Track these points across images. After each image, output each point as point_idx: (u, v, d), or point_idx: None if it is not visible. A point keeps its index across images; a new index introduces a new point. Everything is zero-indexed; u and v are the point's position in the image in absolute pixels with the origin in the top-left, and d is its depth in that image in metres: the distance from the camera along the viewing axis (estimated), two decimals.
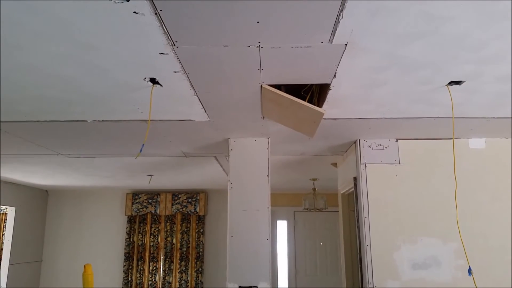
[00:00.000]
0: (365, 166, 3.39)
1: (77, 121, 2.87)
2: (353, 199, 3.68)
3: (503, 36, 1.66)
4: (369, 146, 3.42)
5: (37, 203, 7.21)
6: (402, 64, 1.95)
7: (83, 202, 7.49)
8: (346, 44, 1.74)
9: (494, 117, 2.81)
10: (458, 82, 2.17)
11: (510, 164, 3.36)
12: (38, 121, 2.86)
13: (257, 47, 1.76)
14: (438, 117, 2.79)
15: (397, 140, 3.43)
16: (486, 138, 3.39)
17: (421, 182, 3.34)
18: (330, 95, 2.34)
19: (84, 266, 2.54)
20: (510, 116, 2.78)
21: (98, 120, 2.86)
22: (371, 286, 3.16)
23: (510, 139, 3.39)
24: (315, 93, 2.39)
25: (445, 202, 3.22)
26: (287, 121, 2.70)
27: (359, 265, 3.41)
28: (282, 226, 8.00)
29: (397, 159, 3.39)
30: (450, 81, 2.16)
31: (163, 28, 1.59)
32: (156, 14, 1.48)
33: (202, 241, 7.22)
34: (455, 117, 2.76)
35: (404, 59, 1.89)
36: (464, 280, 3.10)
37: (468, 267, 2.44)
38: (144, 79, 2.12)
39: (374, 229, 3.26)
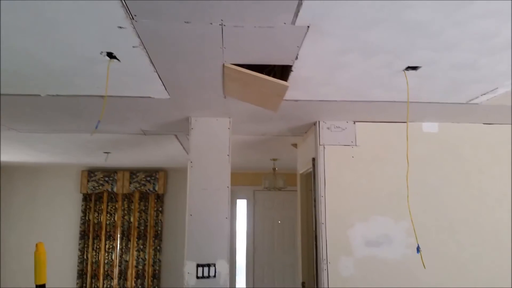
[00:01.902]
0: (324, 147, 3.46)
1: (30, 95, 2.74)
2: (311, 179, 3.76)
3: (459, 24, 1.72)
4: (328, 128, 3.49)
5: None
6: (363, 48, 1.98)
7: (37, 179, 7.24)
8: (308, 27, 1.74)
9: (447, 103, 2.93)
10: (414, 68, 2.24)
11: (461, 148, 3.53)
12: None
13: (219, 25, 1.73)
14: (394, 101, 2.87)
15: (354, 123, 3.51)
16: (439, 122, 3.54)
17: (376, 164, 3.45)
18: (292, 76, 2.36)
19: (36, 244, 2.45)
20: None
21: (53, 95, 2.74)
22: (325, 262, 3.27)
23: (461, 123, 3.55)
24: (277, 74, 2.39)
25: (398, 183, 3.35)
26: (250, 98, 2.69)
27: (314, 242, 3.51)
28: (242, 205, 8.09)
29: (354, 141, 3.47)
30: (407, 66, 2.22)
31: (122, 1, 1.53)
32: None
33: (160, 220, 7.19)
34: (410, 102, 2.86)
35: (364, 44, 1.92)
36: (414, 258, 3.26)
37: (417, 245, 2.57)
38: (101, 53, 2.04)
39: (330, 208, 3.35)
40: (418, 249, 2.53)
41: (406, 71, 2.29)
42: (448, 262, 3.34)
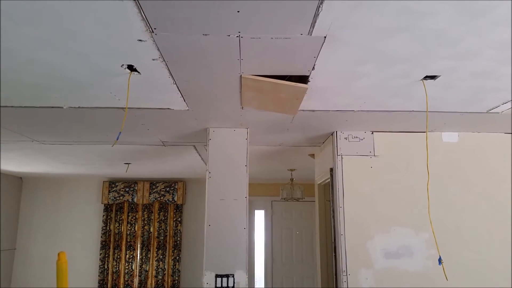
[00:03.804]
0: (341, 158, 3.44)
1: (53, 107, 2.82)
2: (329, 190, 3.74)
3: (478, 33, 1.71)
4: (346, 138, 3.48)
5: (11, 191, 7.06)
6: (380, 58, 1.98)
7: (59, 189, 7.37)
8: (325, 37, 1.76)
9: (467, 112, 2.89)
10: (433, 77, 2.23)
11: (481, 157, 3.47)
12: (12, 106, 2.79)
13: (237, 37, 1.76)
14: (413, 110, 2.85)
15: (372, 133, 3.49)
16: (459, 132, 3.49)
17: (395, 174, 3.42)
18: (309, 86, 2.36)
19: (58, 254, 2.50)
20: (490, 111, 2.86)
21: (75, 107, 2.82)
22: (344, 274, 3.23)
23: (482, 133, 3.50)
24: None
25: (417, 194, 3.31)
26: (268, 105, 2.71)
27: (333, 254, 3.48)
28: (259, 216, 8.07)
29: (372, 151, 3.45)
30: (425, 75, 2.20)
31: (142, 15, 1.57)
32: (134, 0, 1.47)
33: (179, 230, 7.22)
34: (429, 111, 2.83)
35: (382, 53, 1.92)
36: (435, 269, 3.20)
37: (439, 257, 2.52)
38: (121, 66, 2.09)
39: (348, 219, 3.32)
40: (440, 261, 2.49)
41: (424, 80, 2.27)
42: (470, 273, 3.26)
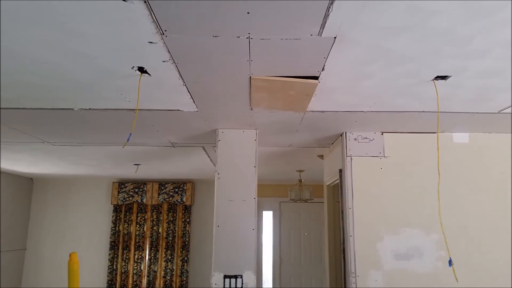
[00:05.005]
0: (351, 159, 3.43)
1: (63, 109, 2.84)
2: (338, 191, 3.73)
3: (487, 32, 1.70)
4: (355, 139, 3.46)
5: (22, 191, 7.13)
6: (389, 58, 1.97)
7: (69, 190, 7.43)
8: (335, 37, 1.75)
9: (478, 112, 2.86)
10: (444, 77, 2.21)
11: (492, 158, 3.43)
12: (24, 108, 2.82)
13: (246, 38, 1.76)
14: (423, 111, 2.83)
15: (382, 133, 3.47)
16: (470, 132, 3.46)
17: (405, 175, 3.40)
18: (318, 87, 2.36)
19: (70, 254, 2.52)
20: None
21: (85, 109, 2.84)
22: (353, 275, 3.22)
23: (493, 134, 3.46)
24: None
25: (427, 195, 3.29)
26: (277, 104, 2.71)
27: (342, 255, 3.47)
28: (268, 217, 8.06)
29: (382, 152, 3.43)
30: (436, 75, 2.19)
31: (152, 17, 1.58)
32: (145, 2, 1.48)
33: (188, 231, 7.24)
34: (440, 112, 2.81)
35: (391, 53, 1.91)
36: (445, 271, 3.18)
37: (449, 258, 2.50)
38: (132, 68, 2.11)
39: (358, 220, 3.31)
40: (450, 262, 2.47)
41: (435, 81, 2.26)
42: (479, 274, 3.22)
